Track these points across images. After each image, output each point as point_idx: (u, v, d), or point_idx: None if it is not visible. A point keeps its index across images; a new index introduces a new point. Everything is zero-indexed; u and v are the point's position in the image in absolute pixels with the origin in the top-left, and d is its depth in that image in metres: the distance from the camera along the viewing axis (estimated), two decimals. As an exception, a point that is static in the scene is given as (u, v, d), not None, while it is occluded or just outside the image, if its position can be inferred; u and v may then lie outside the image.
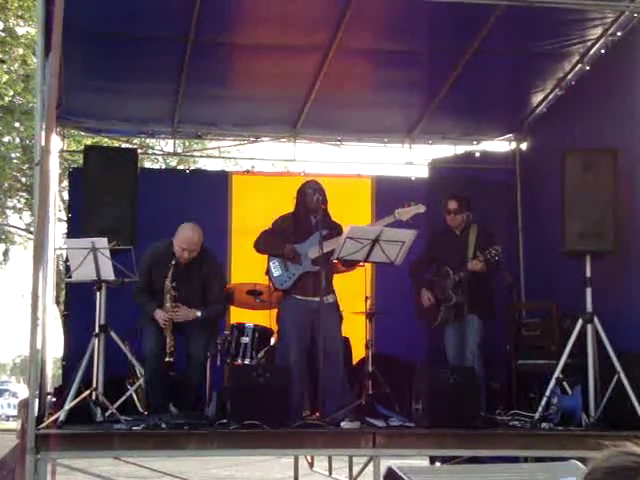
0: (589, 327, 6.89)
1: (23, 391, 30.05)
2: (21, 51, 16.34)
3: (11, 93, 16.54)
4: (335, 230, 6.94)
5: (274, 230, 7.21)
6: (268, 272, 7.17)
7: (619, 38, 7.73)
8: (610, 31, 7.77)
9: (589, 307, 6.94)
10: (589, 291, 6.95)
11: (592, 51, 8.12)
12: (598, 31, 7.85)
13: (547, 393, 6.83)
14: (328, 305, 6.96)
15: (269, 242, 7.14)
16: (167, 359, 6.73)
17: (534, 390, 7.47)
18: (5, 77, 15.94)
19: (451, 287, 7.48)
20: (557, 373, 6.90)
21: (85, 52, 7.90)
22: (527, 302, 9.06)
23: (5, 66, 16.24)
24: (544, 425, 6.61)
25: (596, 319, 6.88)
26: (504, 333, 8.28)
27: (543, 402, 6.80)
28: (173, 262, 6.83)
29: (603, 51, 8.01)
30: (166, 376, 6.86)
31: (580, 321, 6.92)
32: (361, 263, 7.13)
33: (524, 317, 8.53)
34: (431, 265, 7.88)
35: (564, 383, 6.90)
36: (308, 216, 7.08)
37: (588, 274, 7.00)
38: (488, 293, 7.62)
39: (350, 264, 7.16)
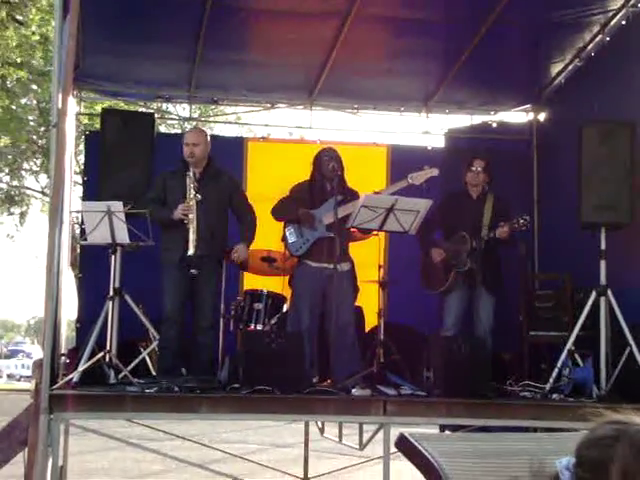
0: (602, 299, 6.87)
1: (37, 352, 30.33)
2: (38, 14, 16.29)
3: (27, 57, 16.52)
4: (351, 196, 6.93)
5: (291, 197, 7.22)
6: (284, 239, 7.18)
7: (641, 9, 7.66)
8: (632, 2, 7.69)
9: (603, 280, 6.92)
10: (603, 263, 6.93)
11: (613, 22, 8.04)
12: (620, 1, 7.78)
13: (558, 364, 6.84)
14: (342, 273, 6.97)
15: (285, 208, 7.16)
16: (190, 252, 6.73)
17: (546, 361, 7.49)
18: (15, 42, 15.89)
19: (467, 252, 7.31)
20: (569, 345, 6.90)
21: (103, 14, 7.89)
22: (541, 273, 9.05)
23: (23, 29, 16.20)
24: (555, 396, 6.63)
25: (609, 292, 6.87)
26: (517, 304, 8.27)
27: (554, 373, 6.81)
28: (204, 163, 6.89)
29: (624, 22, 7.93)
30: (181, 340, 6.89)
31: (593, 293, 6.91)
32: (375, 232, 7.13)
33: (537, 288, 8.52)
34: (440, 226, 7.62)
35: (576, 355, 6.90)
36: (324, 183, 7.08)
37: (603, 246, 6.98)
38: (498, 264, 7.49)
39: (366, 231, 7.14)
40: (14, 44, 15.84)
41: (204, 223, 6.80)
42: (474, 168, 7.47)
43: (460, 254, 7.29)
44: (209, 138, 7.16)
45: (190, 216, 6.75)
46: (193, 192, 6.80)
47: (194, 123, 16.29)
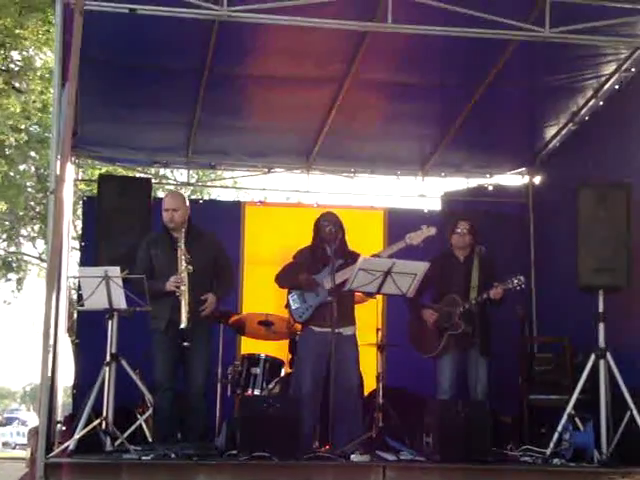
0: (602, 362, 6.84)
1: (32, 419, 30.00)
2: (38, 82, 16.45)
3: (27, 124, 16.64)
4: (352, 259, 6.92)
5: (294, 263, 7.22)
6: (287, 305, 7.15)
7: (633, 74, 7.76)
8: (624, 67, 7.80)
9: (602, 342, 6.90)
10: (602, 326, 6.92)
11: (606, 86, 8.15)
12: (612, 67, 7.88)
13: (559, 428, 6.78)
14: (345, 337, 6.94)
15: (288, 274, 7.15)
16: (183, 326, 6.61)
17: (546, 425, 7.41)
18: (18, 108, 16.03)
19: (459, 315, 7.23)
20: (569, 408, 6.85)
21: (101, 82, 7.97)
22: (539, 336, 9.03)
23: (23, 97, 16.34)
24: (556, 461, 6.56)
25: (609, 354, 6.84)
26: (516, 367, 8.23)
27: (555, 437, 6.75)
28: (185, 228, 6.84)
29: (617, 87, 8.03)
30: (176, 406, 6.82)
31: (593, 356, 6.88)
32: (374, 295, 7.12)
33: (536, 351, 8.49)
34: (429, 290, 7.46)
35: (576, 419, 6.84)
36: (324, 247, 7.08)
37: (601, 309, 6.97)
38: (488, 326, 7.33)
39: (367, 294, 7.13)
40: (18, 110, 15.98)
41: (194, 292, 6.76)
42: (459, 230, 7.45)
43: (452, 317, 7.24)
44: (187, 202, 7.10)
45: (182, 288, 6.71)
46: (184, 264, 6.77)
47: (192, 188, 16.37)
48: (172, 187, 17.99)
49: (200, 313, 6.78)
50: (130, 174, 11.76)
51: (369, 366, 7.80)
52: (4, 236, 20.62)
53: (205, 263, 6.87)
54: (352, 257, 6.98)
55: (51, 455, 5.94)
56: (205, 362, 6.94)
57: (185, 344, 6.64)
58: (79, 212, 12.03)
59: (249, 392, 7.67)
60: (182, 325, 6.63)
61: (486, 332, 7.19)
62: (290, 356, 8.08)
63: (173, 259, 6.81)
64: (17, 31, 15.29)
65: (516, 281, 7.13)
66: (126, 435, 6.72)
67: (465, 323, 7.17)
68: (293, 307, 7.11)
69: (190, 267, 6.73)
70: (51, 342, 6.05)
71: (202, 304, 6.79)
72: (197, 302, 6.75)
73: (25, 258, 21.69)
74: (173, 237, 6.91)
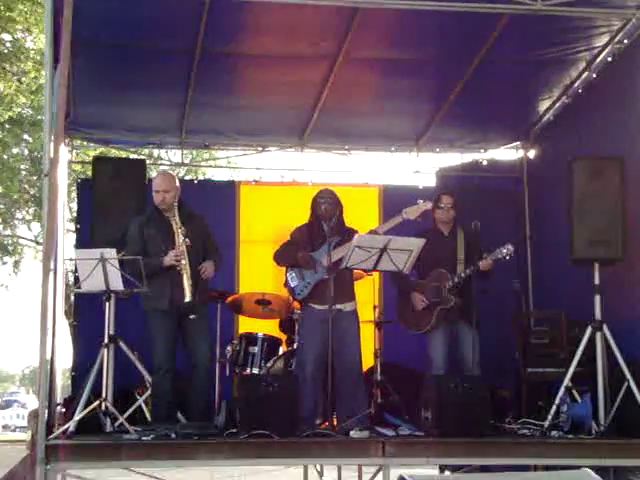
0: (598, 335, 6.88)
1: (32, 402, 30.10)
2: (30, 64, 16.39)
3: (20, 103, 16.59)
4: (350, 236, 6.93)
5: (291, 241, 7.22)
6: (286, 284, 7.16)
7: (626, 46, 7.74)
8: (617, 39, 7.77)
9: (598, 315, 6.93)
10: (598, 298, 6.95)
11: (599, 59, 8.12)
12: (605, 39, 7.86)
13: (556, 401, 6.82)
14: (346, 313, 6.96)
15: (286, 252, 7.15)
16: (188, 299, 6.64)
17: (543, 398, 7.45)
18: (13, 86, 15.98)
19: (448, 289, 7.22)
20: (566, 381, 6.89)
21: (93, 63, 7.94)
22: (535, 310, 9.05)
23: (15, 78, 16.29)
24: (554, 433, 6.60)
25: (605, 327, 6.87)
26: (513, 341, 8.26)
27: (552, 410, 6.78)
28: (177, 205, 6.83)
29: (610, 59, 8.01)
30: (175, 386, 6.83)
31: (589, 329, 6.92)
32: (370, 272, 7.13)
33: (533, 325, 8.52)
34: (415, 266, 7.22)
35: (573, 391, 6.88)
36: (321, 225, 7.09)
37: (597, 281, 7.00)
38: (474, 298, 7.18)
39: (364, 270, 7.13)
40: (12, 89, 15.93)
41: (192, 268, 6.76)
42: (443, 205, 7.44)
43: (441, 291, 7.25)
44: (178, 182, 7.10)
45: (183, 262, 6.71)
46: (182, 237, 6.77)
47: (186, 168, 16.34)
48: (166, 167, 18.01)
49: (200, 288, 6.79)
50: (123, 155, 11.75)
51: (366, 343, 7.83)
52: (-1, 219, 20.60)
53: (196, 241, 6.88)
54: (349, 234, 6.98)
55: (51, 437, 5.97)
56: (208, 339, 6.97)
57: (192, 316, 6.66)
58: (74, 194, 12.02)
59: (247, 371, 7.70)
60: (187, 299, 6.65)
61: (472, 304, 7.14)
62: (285, 336, 8.11)
63: (168, 237, 6.82)
64: (7, 14, 15.20)
65: (505, 250, 7.12)
66: (126, 416, 6.75)
67: (455, 296, 7.19)
68: (292, 285, 7.12)
69: (187, 240, 6.74)
70: (49, 325, 6.05)
71: (199, 274, 6.81)
72: (194, 279, 6.76)
73: (21, 241, 21.69)
74: (165, 216, 6.91)
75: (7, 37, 16.66)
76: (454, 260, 7.32)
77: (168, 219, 6.87)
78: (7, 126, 17.08)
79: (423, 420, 6.66)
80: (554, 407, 6.79)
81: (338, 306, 6.83)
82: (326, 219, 7.04)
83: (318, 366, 6.93)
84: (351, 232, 7.01)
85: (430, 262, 7.27)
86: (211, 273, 6.86)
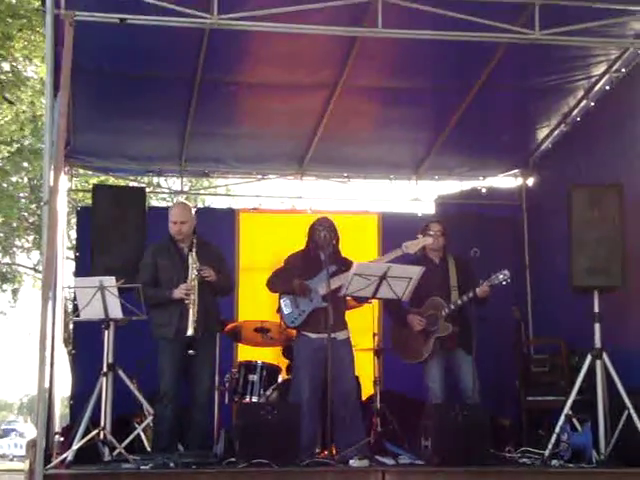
0: (598, 363, 6.86)
1: (30, 431, 29.93)
2: (29, 92, 16.45)
3: (20, 134, 16.63)
4: (345, 266, 6.92)
5: (285, 268, 7.20)
6: (279, 310, 7.14)
7: (624, 74, 7.78)
8: (614, 67, 7.83)
9: (598, 343, 6.92)
10: (598, 327, 6.93)
11: (597, 87, 8.18)
12: (603, 67, 7.91)
13: (557, 430, 6.79)
14: (340, 342, 6.93)
15: (280, 279, 7.13)
16: (190, 334, 6.63)
17: (544, 427, 7.43)
18: (9, 115, 16.02)
19: (444, 317, 7.15)
20: (566, 409, 6.86)
21: (93, 92, 7.97)
22: (535, 338, 9.03)
23: (14, 107, 16.34)
24: (554, 462, 6.57)
25: (605, 355, 6.85)
26: (513, 369, 8.24)
27: (553, 439, 6.75)
28: (194, 239, 6.83)
29: (608, 87, 8.05)
30: (177, 416, 6.80)
31: (589, 357, 6.90)
32: (369, 300, 7.11)
33: (532, 353, 8.50)
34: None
35: (574, 419, 6.85)
36: (317, 253, 7.07)
37: (596, 309, 6.98)
38: (469, 324, 7.16)
39: (360, 300, 7.12)
40: (7, 118, 15.97)
41: (201, 300, 6.76)
42: (432, 232, 7.40)
43: (437, 320, 7.20)
44: (194, 212, 7.12)
45: (192, 297, 6.71)
46: (195, 272, 6.77)
47: (185, 196, 16.36)
48: (166, 196, 18.04)
49: (211, 317, 6.79)
50: (123, 182, 11.76)
51: (366, 371, 7.82)
52: (-2, 247, 20.59)
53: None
54: (345, 264, 6.98)
55: (49, 466, 5.93)
56: (211, 372, 6.95)
57: (190, 352, 6.64)
58: (73, 222, 12.02)
59: (247, 399, 7.67)
60: (189, 333, 6.64)
61: (471, 331, 7.12)
62: (287, 362, 8.09)
63: (180, 268, 6.83)
64: (7, 43, 15.28)
65: (501, 276, 7.06)
66: (124, 445, 6.72)
67: (451, 324, 7.15)
68: (285, 312, 7.09)
69: (201, 276, 6.74)
70: (48, 353, 6.03)
71: (208, 316, 6.80)
72: (203, 312, 6.75)
73: (20, 269, 21.67)
74: (179, 247, 6.93)
75: (6, 66, 16.73)
76: (447, 288, 7.28)
77: (182, 250, 6.90)
78: (7, 154, 17.12)
79: (423, 449, 6.63)
80: (554, 436, 6.76)
81: (333, 334, 6.80)
82: (324, 247, 7.02)
83: (314, 394, 6.90)
84: (347, 262, 7.01)
85: (422, 290, 7.14)
86: (212, 276, 6.83)
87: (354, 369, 7.13)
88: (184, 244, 6.92)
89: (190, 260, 6.79)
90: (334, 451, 6.66)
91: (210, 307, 6.89)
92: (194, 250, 6.81)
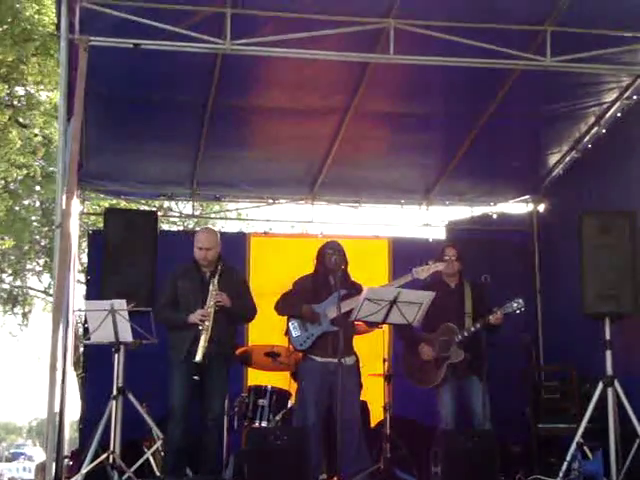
0: (609, 390, 6.82)
1: (39, 454, 29.87)
2: (41, 117, 16.54)
3: (32, 158, 16.71)
4: (355, 290, 6.91)
5: (294, 291, 7.19)
6: (287, 333, 7.13)
7: (635, 101, 7.79)
8: (626, 94, 7.84)
9: (609, 370, 6.88)
10: (609, 354, 6.90)
11: (608, 114, 8.19)
12: (614, 94, 7.93)
13: (568, 457, 6.75)
14: (347, 367, 6.89)
15: (289, 303, 7.12)
16: (197, 360, 6.57)
17: (555, 454, 7.38)
18: (21, 138, 16.09)
19: (457, 343, 7.10)
20: (578, 437, 6.82)
21: (105, 116, 8.02)
22: (546, 364, 8.99)
23: (26, 131, 16.43)
24: (565, 490, 6.53)
25: (616, 382, 6.81)
26: (524, 396, 8.20)
27: (564, 467, 6.72)
28: (220, 264, 6.84)
29: (619, 114, 8.06)
30: (187, 438, 6.77)
31: (600, 384, 6.86)
32: (380, 325, 7.09)
33: (543, 380, 8.46)
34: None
35: (585, 447, 6.80)
36: (327, 276, 7.07)
37: (607, 336, 6.95)
38: (483, 351, 7.07)
39: (371, 324, 7.10)
40: (17, 146, 16.03)
41: (216, 327, 6.74)
42: (447, 257, 7.37)
43: (450, 346, 7.17)
44: (219, 238, 7.12)
45: (207, 323, 6.70)
46: (214, 301, 6.77)
47: (196, 220, 16.39)
48: (176, 220, 18.08)
49: (221, 350, 6.80)
50: (135, 206, 11.80)
51: (376, 396, 7.79)
52: (10, 270, 20.64)
53: (232, 301, 6.88)
54: (355, 288, 6.97)
55: (59, 490, 5.92)
56: (222, 396, 6.93)
57: (195, 377, 6.62)
58: (84, 245, 12.06)
59: (256, 424, 7.64)
60: (197, 359, 6.61)
61: (483, 358, 7.09)
62: (297, 386, 8.06)
63: (199, 293, 6.81)
64: (21, 67, 15.39)
65: (515, 304, 7.02)
66: (133, 469, 6.70)
67: (464, 351, 7.11)
68: (294, 335, 7.08)
69: (218, 306, 6.73)
70: (58, 376, 6.03)
71: (222, 342, 6.80)
72: (216, 342, 6.73)
73: (30, 292, 21.71)
74: (202, 271, 6.93)
75: (20, 90, 16.85)
76: (462, 313, 7.23)
77: (204, 274, 6.90)
78: (19, 178, 17.20)
79: (433, 475, 6.58)
80: (565, 463, 6.72)
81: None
82: (334, 270, 7.02)
83: (319, 419, 6.87)
84: (356, 286, 6.99)
85: (436, 315, 7.09)
86: (227, 301, 6.82)
87: (359, 395, 7.09)
88: (207, 268, 6.93)
89: (211, 287, 6.78)
90: (339, 477, 6.62)
91: (225, 334, 6.86)
92: (216, 277, 6.81)
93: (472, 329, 7.08)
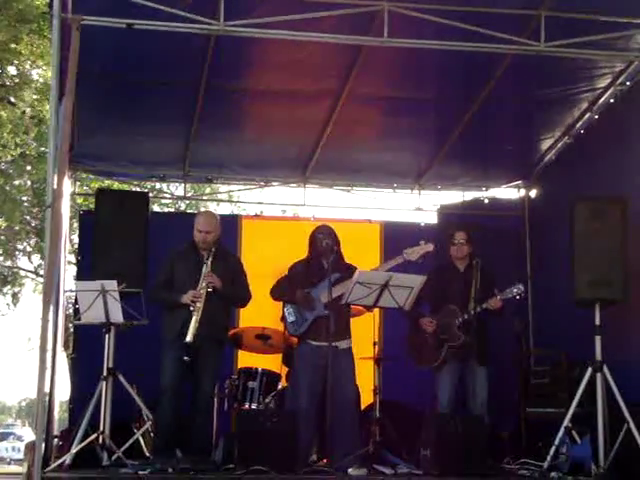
0: (598, 376, 6.85)
1: (28, 434, 29.90)
2: (32, 95, 16.47)
3: (24, 138, 16.65)
4: (349, 273, 6.91)
5: (289, 276, 7.20)
6: (283, 318, 7.14)
7: (628, 87, 7.79)
8: (619, 80, 7.83)
9: (598, 355, 6.90)
10: (598, 339, 6.92)
11: (601, 100, 8.18)
12: (607, 80, 7.92)
13: (556, 442, 6.77)
14: (342, 350, 6.91)
15: (283, 289, 7.13)
16: (188, 340, 6.61)
17: (543, 439, 7.40)
18: (12, 118, 16.01)
19: (457, 326, 7.16)
20: (566, 422, 6.85)
21: (98, 96, 7.99)
22: (536, 349, 9.02)
23: (17, 110, 16.35)
24: (553, 474, 6.54)
25: (605, 368, 6.84)
26: (513, 380, 8.22)
27: (552, 451, 6.74)
28: (214, 248, 6.87)
29: (612, 100, 8.06)
30: (178, 416, 6.79)
31: (589, 369, 6.89)
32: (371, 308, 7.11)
33: (533, 365, 8.49)
34: (428, 300, 7.39)
35: (573, 432, 6.83)
36: (320, 261, 7.07)
37: (597, 322, 6.97)
38: (487, 336, 7.25)
39: (365, 307, 7.11)
40: (8, 129, 15.97)
41: (208, 309, 6.75)
42: (456, 241, 7.42)
43: (451, 328, 7.19)
44: (219, 221, 7.12)
45: (198, 305, 6.71)
46: (206, 282, 6.78)
47: (188, 202, 16.36)
48: (168, 201, 18.06)
49: (213, 331, 6.80)
50: (126, 187, 11.78)
51: (366, 380, 7.80)
52: (0, 250, 20.60)
53: (224, 282, 6.89)
54: (348, 270, 6.97)
55: (48, 470, 5.93)
56: (212, 377, 6.95)
57: (185, 358, 6.63)
58: (75, 226, 12.03)
59: (246, 406, 7.66)
60: (187, 339, 6.63)
61: (484, 342, 7.14)
62: (287, 369, 8.08)
63: (194, 275, 6.83)
64: (12, 46, 15.30)
65: (515, 290, 7.07)
66: (123, 450, 6.71)
67: (464, 334, 7.13)
68: (289, 320, 7.09)
69: (210, 288, 6.74)
70: (48, 357, 6.03)
71: (214, 324, 6.80)
72: (208, 323, 6.74)
73: (21, 272, 21.69)
74: (199, 254, 6.94)
75: (12, 69, 16.76)
76: (467, 297, 7.27)
77: (201, 257, 6.90)
78: (11, 158, 17.14)
79: (422, 459, 6.62)
80: (553, 448, 6.75)
81: (335, 343, 6.78)
82: (326, 255, 7.02)
83: (312, 402, 6.88)
84: (350, 268, 6.99)
85: (443, 297, 7.28)
86: (217, 282, 6.83)
87: (355, 379, 7.11)
88: (205, 251, 6.93)
89: (204, 269, 6.80)
90: (332, 459, 6.65)
91: (217, 316, 6.87)
92: (210, 259, 6.82)
93: (472, 312, 7.10)
